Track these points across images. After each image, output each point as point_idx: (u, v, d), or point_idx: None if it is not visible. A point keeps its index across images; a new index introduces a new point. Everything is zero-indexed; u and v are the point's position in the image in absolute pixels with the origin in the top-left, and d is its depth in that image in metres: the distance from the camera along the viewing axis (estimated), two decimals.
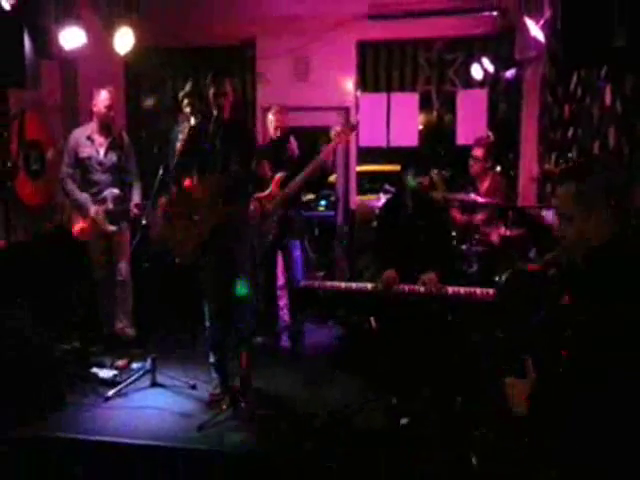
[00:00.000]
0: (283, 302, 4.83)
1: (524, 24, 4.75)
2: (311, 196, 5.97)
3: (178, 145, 4.37)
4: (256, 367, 3.89)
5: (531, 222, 4.69)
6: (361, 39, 6.08)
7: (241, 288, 3.59)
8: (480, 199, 4.65)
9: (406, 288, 3.69)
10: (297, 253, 4.48)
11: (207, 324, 3.78)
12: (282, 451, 3.16)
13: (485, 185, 4.91)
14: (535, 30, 4.62)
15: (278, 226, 4.35)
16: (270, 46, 6.09)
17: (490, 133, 5.76)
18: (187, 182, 3.77)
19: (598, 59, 4.12)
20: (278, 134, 4.53)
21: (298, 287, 4.23)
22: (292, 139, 4.60)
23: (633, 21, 3.62)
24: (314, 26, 5.95)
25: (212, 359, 3.81)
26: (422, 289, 3.65)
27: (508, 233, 4.46)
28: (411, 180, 3.89)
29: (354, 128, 4.76)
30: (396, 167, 5.94)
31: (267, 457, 3.12)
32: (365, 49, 6.15)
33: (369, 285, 3.75)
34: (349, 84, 6.15)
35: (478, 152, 4.91)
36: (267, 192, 4.15)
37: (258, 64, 6.19)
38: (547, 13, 4.78)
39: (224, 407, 3.53)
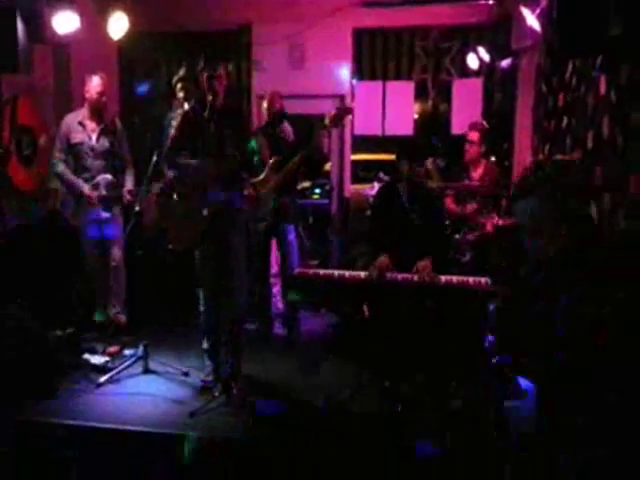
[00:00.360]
0: (277, 289, 4.83)
1: (520, 13, 4.74)
2: (306, 184, 5.95)
3: (172, 131, 4.36)
4: (250, 354, 3.90)
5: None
6: (357, 26, 6.04)
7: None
8: (474, 184, 4.66)
9: (399, 276, 3.69)
10: (292, 237, 4.48)
11: (201, 309, 3.78)
12: (274, 437, 3.17)
13: (478, 172, 4.92)
14: (531, 19, 4.60)
15: (272, 212, 4.35)
16: (266, 32, 6.05)
17: (485, 122, 5.75)
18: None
19: (594, 48, 4.11)
20: (271, 117, 4.51)
21: (292, 274, 4.24)
22: (286, 123, 4.58)
23: (629, 10, 3.62)
24: (310, 12, 5.91)
25: (205, 345, 3.81)
26: (415, 277, 3.66)
27: (501, 222, 4.47)
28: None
29: (349, 111, 4.74)
30: (391, 156, 5.94)
31: (259, 443, 3.14)
32: (361, 37, 6.11)
33: (362, 273, 3.76)
34: (345, 72, 6.12)
35: (474, 136, 4.90)
36: (261, 177, 4.14)
37: (254, 50, 6.15)
38: (543, 2, 4.76)
39: (216, 394, 3.53)
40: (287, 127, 4.57)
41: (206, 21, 6.00)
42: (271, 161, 4.21)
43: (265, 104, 4.58)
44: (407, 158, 3.95)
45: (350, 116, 5.09)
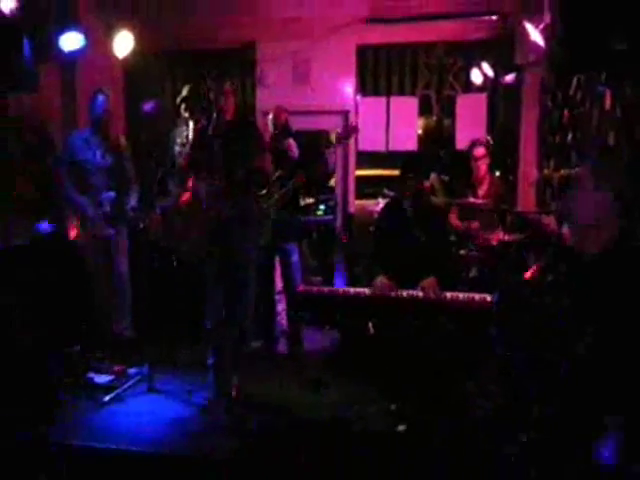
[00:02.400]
0: (281, 307, 4.81)
1: (524, 29, 4.75)
2: (310, 200, 5.95)
3: (177, 148, 4.38)
4: (253, 372, 3.88)
5: (530, 227, 4.68)
6: (361, 43, 6.07)
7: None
8: (480, 201, 4.65)
9: (404, 293, 3.67)
10: (295, 259, 4.47)
11: (207, 326, 3.76)
12: (279, 457, 3.14)
13: (484, 188, 4.91)
14: (535, 35, 4.61)
15: (273, 228, 4.33)
16: (270, 49, 6.09)
17: (489, 138, 5.75)
18: (184, 197, 3.78)
19: (598, 63, 4.12)
20: (276, 130, 4.52)
21: (296, 292, 4.22)
22: (291, 140, 4.58)
23: (633, 25, 3.62)
24: (314, 29, 5.94)
25: (210, 361, 3.79)
26: (421, 294, 3.63)
27: (507, 238, 4.45)
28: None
29: (355, 130, 4.75)
30: (395, 172, 5.94)
31: (263, 463, 3.11)
32: (365, 53, 6.13)
33: (367, 290, 3.74)
34: (349, 88, 6.14)
35: (480, 151, 4.86)
36: (265, 191, 4.13)
37: (258, 68, 6.18)
38: (547, 18, 4.77)
39: (220, 413, 3.51)
40: (292, 143, 4.57)
41: (211, 40, 6.05)
42: (275, 175, 4.21)
43: (270, 117, 4.59)
44: (412, 174, 3.95)
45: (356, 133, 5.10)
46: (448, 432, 3.14)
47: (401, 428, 3.25)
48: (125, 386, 3.86)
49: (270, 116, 4.59)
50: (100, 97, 4.39)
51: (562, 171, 5.07)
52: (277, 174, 4.23)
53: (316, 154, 4.51)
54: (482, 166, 4.85)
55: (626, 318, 3.20)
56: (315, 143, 4.77)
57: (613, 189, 3.69)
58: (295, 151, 4.56)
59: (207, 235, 3.61)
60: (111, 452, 3.21)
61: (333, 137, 4.27)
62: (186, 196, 3.87)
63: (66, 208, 4.54)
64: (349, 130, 4.35)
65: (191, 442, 3.27)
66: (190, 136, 4.61)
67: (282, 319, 4.80)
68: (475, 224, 4.71)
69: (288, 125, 4.62)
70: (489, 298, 3.59)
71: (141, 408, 3.67)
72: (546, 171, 5.35)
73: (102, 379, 3.97)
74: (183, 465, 3.13)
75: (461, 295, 3.65)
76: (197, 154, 3.68)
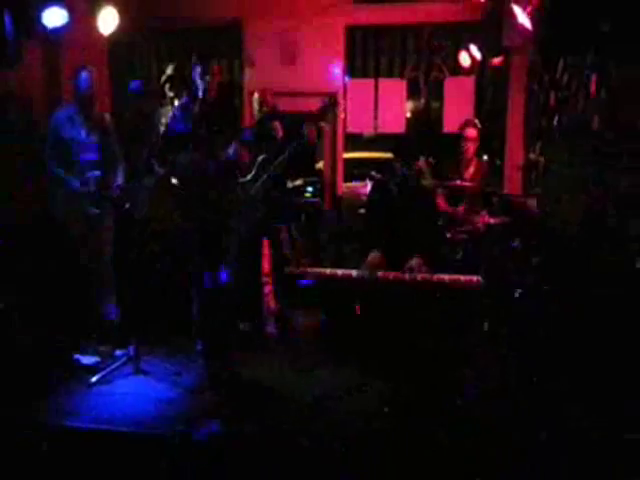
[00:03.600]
0: (268, 288, 4.81)
1: (511, 11, 4.73)
2: (298, 182, 5.93)
3: (162, 128, 4.33)
4: (241, 354, 3.88)
5: (515, 210, 4.72)
6: (350, 23, 6.02)
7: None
8: (467, 184, 4.67)
9: (391, 275, 3.69)
10: (283, 235, 4.46)
11: (195, 310, 3.76)
12: (267, 437, 3.16)
13: (470, 171, 4.93)
14: (522, 17, 4.60)
15: (262, 210, 4.31)
16: (257, 29, 6.02)
17: (477, 121, 5.75)
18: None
19: (584, 45, 4.14)
20: (261, 112, 4.49)
21: (285, 274, 4.23)
22: (277, 123, 4.54)
23: (617, 6, 3.64)
24: (303, 9, 5.89)
25: (200, 346, 3.79)
26: (407, 276, 3.66)
27: (492, 221, 4.48)
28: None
29: (335, 103, 4.69)
30: (383, 154, 5.95)
31: (252, 443, 3.13)
32: (353, 34, 6.09)
33: (354, 272, 3.75)
34: (337, 69, 6.10)
35: (472, 132, 4.87)
36: (249, 176, 4.11)
37: (245, 47, 6.11)
38: (534, 0, 4.77)
39: (209, 394, 3.52)
40: (277, 125, 4.54)
41: (197, 17, 5.96)
42: (259, 159, 4.18)
43: (255, 98, 4.55)
44: (401, 156, 3.96)
45: (342, 112, 5.07)
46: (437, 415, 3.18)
47: (386, 410, 3.29)
48: (112, 367, 3.85)
49: (255, 96, 4.56)
50: (84, 74, 4.31)
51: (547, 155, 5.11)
52: (261, 157, 4.20)
53: (300, 133, 4.47)
54: (471, 147, 4.87)
55: None
56: (300, 123, 4.72)
57: (586, 171, 3.74)
58: (279, 132, 4.53)
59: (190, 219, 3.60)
60: (98, 433, 3.21)
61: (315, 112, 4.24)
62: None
63: (53, 186, 4.47)
64: (330, 103, 4.31)
65: (178, 423, 3.27)
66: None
67: (269, 301, 4.80)
68: (461, 207, 4.74)
69: (275, 107, 4.58)
70: (475, 279, 3.62)
71: (128, 389, 3.67)
72: (532, 155, 5.38)
73: (88, 360, 3.96)
74: (170, 446, 3.14)
75: (447, 277, 3.68)
76: (171, 139, 3.64)
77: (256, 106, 4.55)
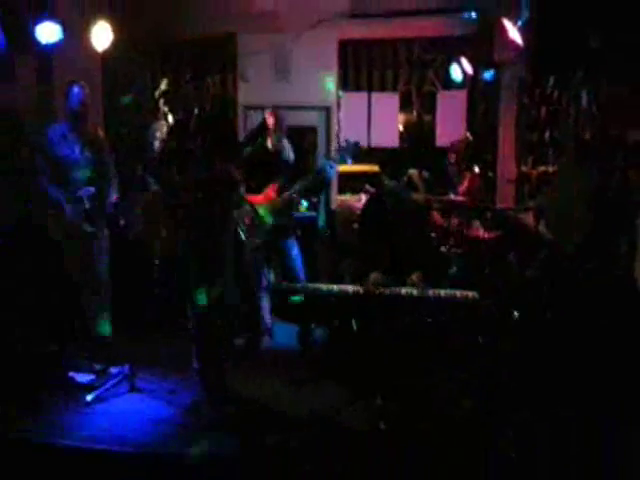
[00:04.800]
0: (265, 303, 4.80)
1: (502, 26, 4.79)
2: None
3: (156, 143, 4.34)
4: (238, 369, 3.87)
5: (509, 224, 4.76)
6: (343, 38, 6.06)
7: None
8: (460, 198, 4.71)
9: (387, 291, 3.70)
10: (295, 252, 4.46)
11: (191, 328, 3.75)
12: (264, 454, 3.15)
13: (464, 185, 4.98)
14: (513, 32, 4.66)
15: (271, 230, 4.32)
16: (251, 43, 6.04)
17: (469, 134, 5.80)
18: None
19: (575, 62, 4.18)
20: (271, 130, 4.48)
21: (280, 289, 4.23)
22: (286, 142, 4.52)
23: (608, 24, 3.69)
24: (296, 23, 5.92)
25: (196, 365, 3.78)
26: (403, 291, 3.67)
27: (486, 235, 4.51)
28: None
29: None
30: (376, 167, 5.96)
31: (249, 460, 3.12)
32: (346, 48, 6.13)
33: (351, 287, 3.76)
34: (330, 83, 6.13)
35: (451, 157, 5.20)
36: (261, 196, 4.10)
37: (239, 61, 6.13)
38: (525, 15, 4.83)
39: (205, 411, 3.51)
40: (287, 146, 4.52)
41: (191, 31, 5.97)
42: (274, 184, 4.21)
43: (267, 117, 4.50)
44: (390, 170, 3.99)
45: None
46: (432, 429, 3.19)
47: (382, 426, 3.29)
48: (107, 385, 3.82)
49: (267, 116, 4.52)
50: (75, 89, 4.28)
51: (540, 168, 5.16)
52: (278, 184, 4.24)
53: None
54: (450, 170, 5.19)
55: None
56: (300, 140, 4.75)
57: (588, 185, 3.76)
58: (291, 155, 4.53)
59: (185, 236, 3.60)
60: (93, 452, 3.18)
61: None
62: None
63: (44, 201, 4.45)
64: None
65: (174, 442, 3.25)
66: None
67: (266, 315, 4.79)
68: (455, 221, 4.77)
69: (283, 125, 4.56)
70: (470, 295, 3.64)
71: (123, 407, 3.64)
72: (524, 168, 5.43)
73: (84, 378, 3.92)
74: (166, 465, 3.12)
75: (443, 292, 3.70)
76: (172, 147, 3.64)
77: (272, 129, 4.49)
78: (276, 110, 4.49)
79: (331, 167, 4.29)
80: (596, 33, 3.82)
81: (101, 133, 4.52)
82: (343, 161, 4.34)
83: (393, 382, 3.61)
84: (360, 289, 3.70)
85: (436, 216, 4.85)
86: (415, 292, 3.66)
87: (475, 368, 3.57)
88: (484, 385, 3.47)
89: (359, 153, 4.45)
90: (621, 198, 3.61)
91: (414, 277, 3.69)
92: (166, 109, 4.74)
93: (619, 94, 3.87)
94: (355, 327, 3.80)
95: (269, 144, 4.42)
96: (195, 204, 3.62)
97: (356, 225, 4.49)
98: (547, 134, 5.11)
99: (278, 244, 4.42)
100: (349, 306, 3.78)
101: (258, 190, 4.30)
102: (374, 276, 3.73)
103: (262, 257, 4.47)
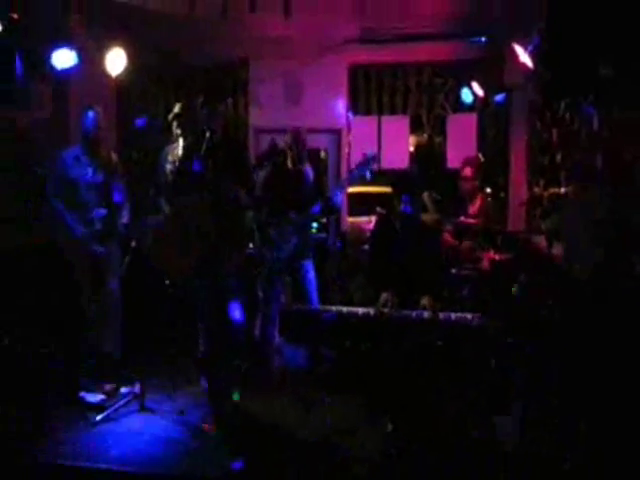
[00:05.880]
0: (275, 324, 4.79)
1: (513, 50, 4.83)
2: None
3: (168, 166, 4.38)
4: (246, 390, 3.86)
5: (521, 247, 4.72)
6: (352, 63, 6.13)
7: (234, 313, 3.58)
8: (472, 221, 4.70)
9: (396, 314, 3.69)
10: (311, 276, 4.43)
11: (201, 348, 3.75)
12: (271, 476, 3.12)
13: (475, 206, 4.97)
14: (523, 56, 4.69)
15: (292, 250, 4.30)
16: (263, 68, 6.13)
17: (480, 156, 5.81)
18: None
19: (585, 88, 4.19)
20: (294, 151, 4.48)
21: (289, 310, 4.22)
22: (307, 166, 4.50)
23: (620, 51, 3.69)
24: (307, 49, 6.00)
25: (205, 383, 3.77)
26: (414, 314, 3.66)
27: (497, 257, 4.49)
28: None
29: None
30: (387, 189, 5.99)
31: None
32: (356, 72, 6.20)
33: (360, 310, 3.76)
34: (341, 107, 6.19)
35: (467, 171, 5.02)
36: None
37: (251, 85, 6.22)
38: (535, 40, 4.86)
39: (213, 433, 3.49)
40: (308, 168, 4.52)
41: (204, 56, 6.08)
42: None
43: (288, 138, 4.51)
44: (400, 191, 4.00)
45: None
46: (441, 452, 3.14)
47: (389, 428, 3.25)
48: (117, 405, 3.83)
49: (287, 137, 4.52)
50: (90, 114, 4.37)
51: (551, 190, 5.13)
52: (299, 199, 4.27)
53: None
54: (465, 185, 5.01)
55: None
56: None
57: (599, 211, 3.74)
58: (311, 176, 4.52)
59: (195, 258, 3.61)
60: (103, 472, 3.17)
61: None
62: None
63: (55, 221, 4.50)
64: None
65: (184, 462, 3.24)
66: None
67: (274, 336, 4.77)
68: (467, 243, 4.75)
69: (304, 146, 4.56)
70: (481, 317, 3.61)
71: (133, 427, 3.64)
72: (536, 190, 5.41)
73: (93, 398, 3.93)
74: None
75: (453, 315, 3.68)
76: (183, 171, 3.69)
77: (291, 147, 4.50)
78: (297, 131, 4.50)
79: (339, 193, 4.27)
80: (607, 60, 3.83)
81: (114, 156, 4.59)
82: (362, 175, 4.32)
83: (403, 405, 3.58)
84: (370, 311, 3.69)
85: (447, 237, 4.83)
86: (426, 315, 3.65)
87: (485, 390, 3.53)
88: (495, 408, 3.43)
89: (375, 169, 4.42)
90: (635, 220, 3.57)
91: (424, 301, 3.68)
92: (178, 132, 4.79)
93: (631, 118, 3.87)
94: (364, 348, 3.79)
95: (289, 164, 4.43)
96: (203, 227, 3.64)
97: (366, 246, 4.48)
98: (559, 156, 5.09)
99: (296, 264, 4.39)
100: (359, 328, 3.76)
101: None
102: (384, 296, 3.72)
103: (280, 278, 4.43)
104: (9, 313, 4.24)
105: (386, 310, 3.63)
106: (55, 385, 4.06)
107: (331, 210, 4.33)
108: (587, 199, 3.84)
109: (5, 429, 3.43)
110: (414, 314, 3.64)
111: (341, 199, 4.32)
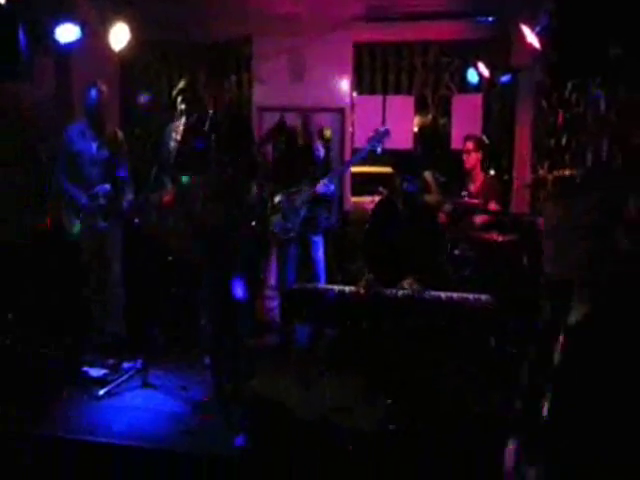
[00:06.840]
0: (275, 303, 4.82)
1: (520, 30, 4.77)
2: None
3: (172, 143, 4.37)
4: (249, 366, 3.89)
5: (524, 229, 4.71)
6: (358, 41, 6.07)
7: (238, 290, 3.59)
8: (475, 201, 4.68)
9: (399, 293, 3.70)
10: (320, 254, 4.44)
11: (203, 324, 3.77)
12: (272, 453, 3.16)
13: (477, 185, 4.96)
14: (531, 37, 4.63)
15: (303, 222, 4.36)
16: (266, 45, 6.07)
17: (485, 137, 5.77)
18: (167, 198, 3.81)
19: (593, 69, 4.14)
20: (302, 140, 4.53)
21: (290, 289, 4.23)
22: (319, 142, 4.57)
23: (628, 30, 3.65)
24: (311, 26, 5.93)
25: (208, 361, 3.80)
26: (400, 292, 3.66)
27: (500, 239, 4.48)
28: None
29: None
30: (389, 169, 5.96)
31: (257, 459, 3.12)
32: (361, 51, 6.14)
33: (362, 289, 3.76)
34: (345, 85, 6.14)
35: (469, 145, 5.01)
36: (294, 188, 4.25)
37: (254, 63, 6.16)
38: (543, 20, 4.79)
39: (216, 408, 3.52)
40: (319, 144, 4.57)
41: (207, 32, 6.02)
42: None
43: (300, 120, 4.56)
44: (401, 171, 3.99)
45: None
46: (441, 431, 3.17)
47: (392, 427, 3.28)
48: (120, 380, 3.87)
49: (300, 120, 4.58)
50: (93, 91, 4.37)
51: (555, 172, 5.11)
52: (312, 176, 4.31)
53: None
54: (468, 159, 4.99)
55: None
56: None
57: (603, 199, 3.71)
58: (322, 151, 4.56)
59: (199, 235, 3.62)
60: (105, 446, 3.21)
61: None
62: (169, 197, 3.92)
63: (62, 200, 4.51)
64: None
65: (187, 438, 3.27)
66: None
67: (275, 315, 4.81)
68: (478, 220, 4.75)
69: (312, 126, 4.61)
70: (483, 298, 3.62)
71: (136, 402, 3.68)
72: (541, 172, 5.38)
73: (97, 372, 3.97)
74: (178, 460, 3.14)
75: (455, 295, 3.69)
76: (186, 149, 3.69)
77: (301, 126, 4.55)
78: (304, 112, 4.57)
79: (329, 184, 4.31)
80: (617, 41, 3.78)
81: (119, 133, 4.58)
82: (373, 149, 4.33)
83: (403, 381, 3.60)
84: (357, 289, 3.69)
85: (442, 218, 4.79)
86: (426, 294, 3.65)
87: (485, 369, 3.55)
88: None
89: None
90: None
91: (405, 283, 3.69)
92: (183, 107, 4.77)
93: (638, 101, 3.83)
94: (365, 327, 3.80)
95: (299, 141, 4.48)
96: (207, 203, 3.64)
97: (366, 225, 4.48)
98: (564, 139, 5.06)
99: (307, 237, 4.40)
100: (359, 307, 3.77)
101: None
102: (369, 277, 3.74)
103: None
104: (14, 293, 4.27)
105: (362, 291, 3.64)
106: (59, 359, 4.09)
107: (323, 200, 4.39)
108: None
109: (9, 402, 3.46)
110: (400, 292, 3.62)
111: (333, 189, 4.35)
